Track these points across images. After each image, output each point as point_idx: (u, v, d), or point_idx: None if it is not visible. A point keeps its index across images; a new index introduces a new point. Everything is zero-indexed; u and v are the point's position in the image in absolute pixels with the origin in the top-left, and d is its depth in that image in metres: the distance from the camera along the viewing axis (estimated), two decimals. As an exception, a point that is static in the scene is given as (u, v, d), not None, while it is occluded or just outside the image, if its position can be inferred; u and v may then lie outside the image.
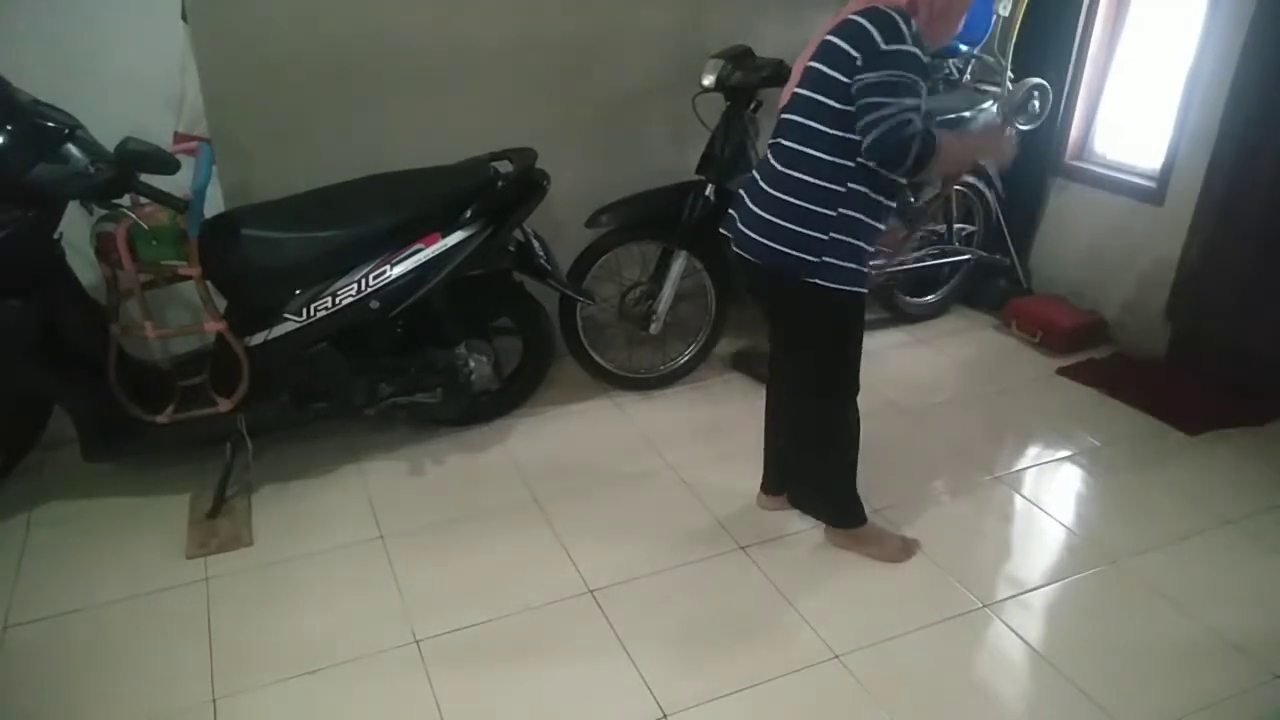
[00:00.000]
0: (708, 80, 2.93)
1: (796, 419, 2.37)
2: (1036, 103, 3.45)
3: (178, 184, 2.26)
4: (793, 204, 2.01)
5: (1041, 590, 2.29)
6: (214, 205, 2.58)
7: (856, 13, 1.92)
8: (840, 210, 1.99)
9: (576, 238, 3.02)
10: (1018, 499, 2.67)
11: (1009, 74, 3.43)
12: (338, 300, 2.49)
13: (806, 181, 2.00)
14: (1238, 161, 3.04)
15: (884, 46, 1.85)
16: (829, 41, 1.95)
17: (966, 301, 3.89)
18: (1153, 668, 2.05)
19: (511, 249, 2.78)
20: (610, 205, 2.97)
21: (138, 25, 2.54)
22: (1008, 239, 3.74)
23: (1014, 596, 2.26)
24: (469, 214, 2.58)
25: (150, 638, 2.11)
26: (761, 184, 2.09)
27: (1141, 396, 3.14)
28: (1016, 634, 2.14)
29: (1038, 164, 3.69)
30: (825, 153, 1.98)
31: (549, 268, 2.84)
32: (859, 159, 1.96)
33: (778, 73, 2.94)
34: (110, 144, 2.18)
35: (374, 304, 2.52)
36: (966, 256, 3.67)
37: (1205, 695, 1.96)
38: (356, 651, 2.07)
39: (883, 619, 2.16)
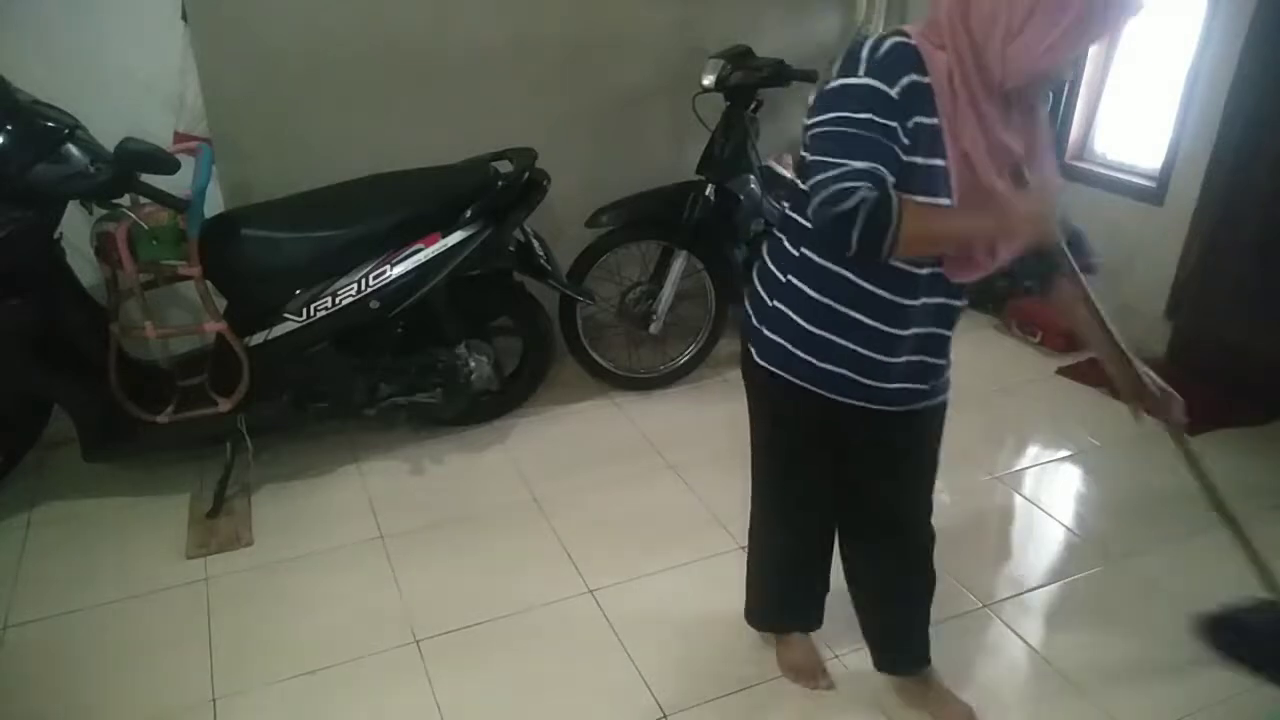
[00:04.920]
0: (708, 80, 2.93)
1: None
2: (1036, 103, 3.46)
3: (178, 184, 2.26)
4: (763, 259, 1.69)
5: (1041, 590, 2.29)
6: (214, 205, 2.59)
7: None
8: (789, 277, 1.58)
9: (576, 238, 3.02)
10: (1018, 499, 2.67)
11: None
12: (338, 300, 2.49)
13: (773, 235, 1.67)
14: (1238, 161, 3.04)
15: (830, 84, 1.40)
16: None
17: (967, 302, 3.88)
18: (1153, 668, 2.05)
19: (511, 249, 2.78)
20: (610, 205, 2.97)
21: (138, 25, 2.54)
22: (1008, 239, 3.74)
23: (1014, 596, 2.26)
24: (469, 214, 2.58)
25: (150, 638, 2.11)
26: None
27: (1141, 396, 3.13)
28: (1016, 634, 2.14)
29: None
30: (790, 209, 1.61)
31: (549, 268, 2.84)
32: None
33: (777, 73, 2.94)
34: (110, 144, 2.18)
35: (374, 304, 2.52)
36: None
37: (1205, 695, 1.96)
38: (356, 651, 2.07)
39: (883, 619, 2.16)
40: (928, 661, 1.92)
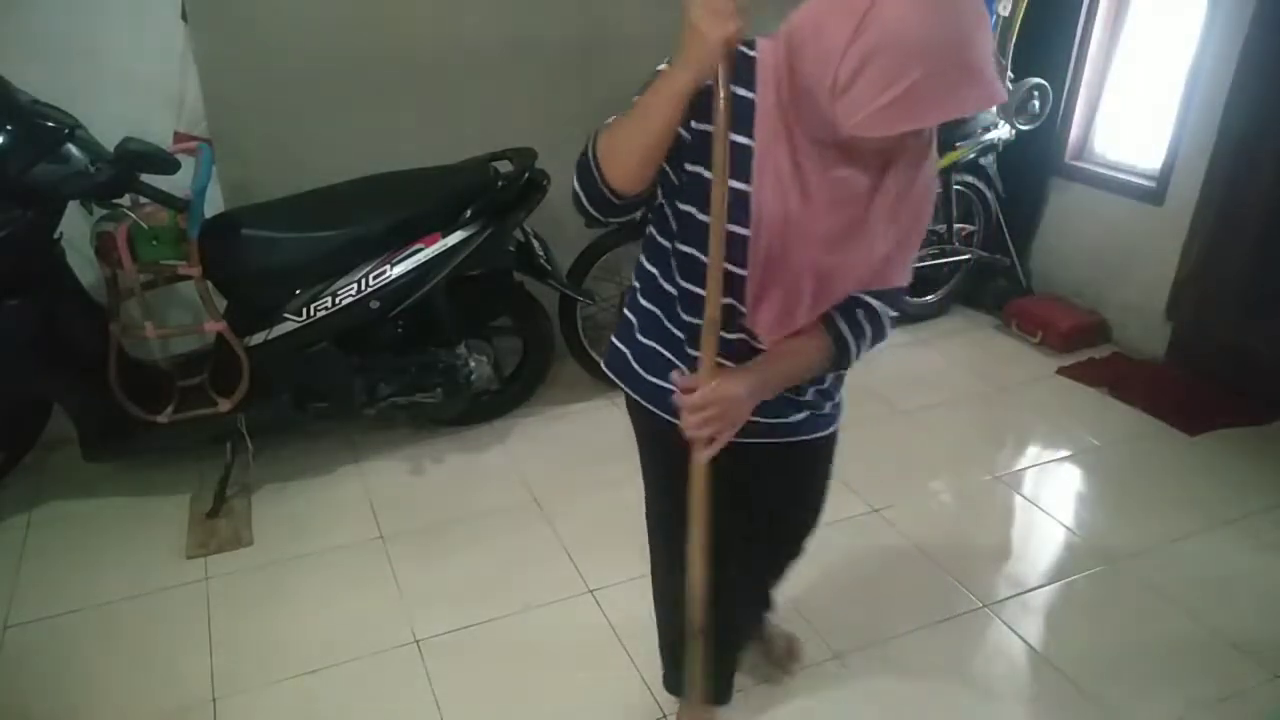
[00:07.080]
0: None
1: None
2: (1036, 102, 3.46)
3: (178, 184, 2.26)
4: None
5: (1041, 590, 2.29)
6: (214, 205, 2.59)
7: None
8: (635, 281, 1.48)
9: (576, 238, 3.01)
10: (1018, 499, 2.67)
11: (1009, 74, 3.43)
12: (338, 300, 2.49)
13: None
14: (1238, 161, 3.04)
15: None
16: None
17: (966, 301, 3.89)
18: (1153, 668, 2.04)
19: (511, 249, 2.78)
20: (610, 205, 2.97)
21: (138, 25, 2.54)
22: (1008, 239, 3.74)
23: (1014, 596, 2.26)
24: (469, 214, 2.58)
25: (150, 638, 2.11)
26: None
27: (1141, 396, 3.14)
28: (1016, 634, 2.14)
29: (1038, 164, 3.69)
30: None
31: (549, 268, 2.84)
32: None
33: (778, 73, 2.94)
34: (110, 144, 2.18)
35: (374, 304, 2.52)
36: (966, 256, 3.67)
37: (1205, 695, 1.96)
38: (356, 651, 2.07)
39: (883, 619, 2.16)
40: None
